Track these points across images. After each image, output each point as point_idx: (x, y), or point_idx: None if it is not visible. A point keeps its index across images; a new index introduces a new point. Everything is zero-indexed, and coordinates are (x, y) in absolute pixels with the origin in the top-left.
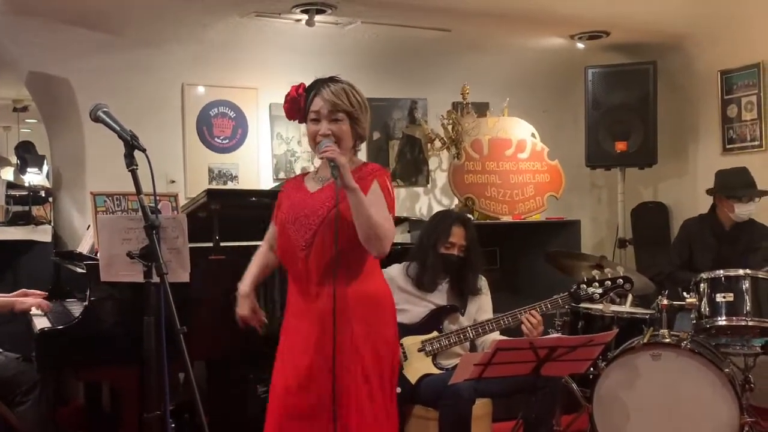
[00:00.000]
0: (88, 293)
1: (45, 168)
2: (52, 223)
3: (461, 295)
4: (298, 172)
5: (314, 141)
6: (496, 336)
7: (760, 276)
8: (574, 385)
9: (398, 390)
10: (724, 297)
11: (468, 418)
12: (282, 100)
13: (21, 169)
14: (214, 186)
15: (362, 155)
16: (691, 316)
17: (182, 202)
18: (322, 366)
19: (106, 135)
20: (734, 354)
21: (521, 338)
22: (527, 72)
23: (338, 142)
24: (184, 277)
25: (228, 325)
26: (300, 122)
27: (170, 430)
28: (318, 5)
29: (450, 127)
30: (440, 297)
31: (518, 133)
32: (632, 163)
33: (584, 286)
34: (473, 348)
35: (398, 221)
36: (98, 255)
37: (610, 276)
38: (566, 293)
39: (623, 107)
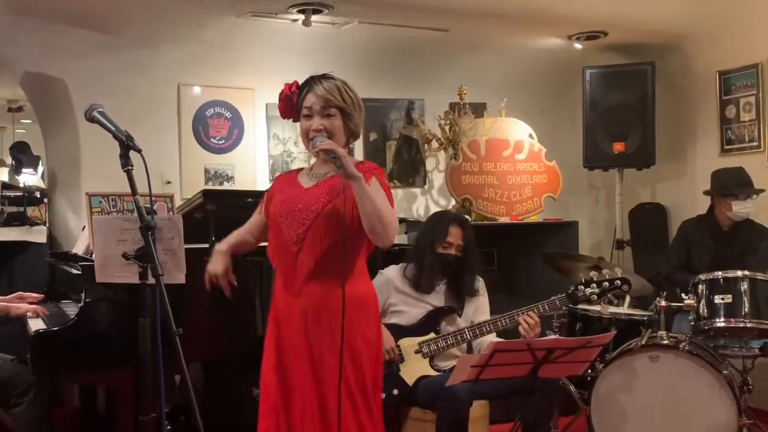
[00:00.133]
0: (83, 295)
1: (40, 168)
2: (47, 224)
3: (458, 296)
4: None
5: (307, 137)
6: (492, 338)
7: (759, 277)
8: (572, 387)
9: (395, 392)
10: (722, 298)
11: (465, 420)
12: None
13: (16, 170)
14: (210, 187)
15: (359, 155)
16: (690, 317)
17: (178, 202)
18: (306, 367)
19: (101, 135)
20: (733, 356)
21: (519, 340)
22: (525, 72)
23: (330, 137)
24: (180, 278)
25: (224, 326)
26: (294, 121)
27: None
28: (315, 5)
29: (447, 128)
30: (438, 298)
31: (516, 133)
32: (630, 163)
33: (582, 287)
34: (469, 350)
35: None
36: (93, 256)
37: (608, 277)
38: (564, 294)
39: (621, 108)
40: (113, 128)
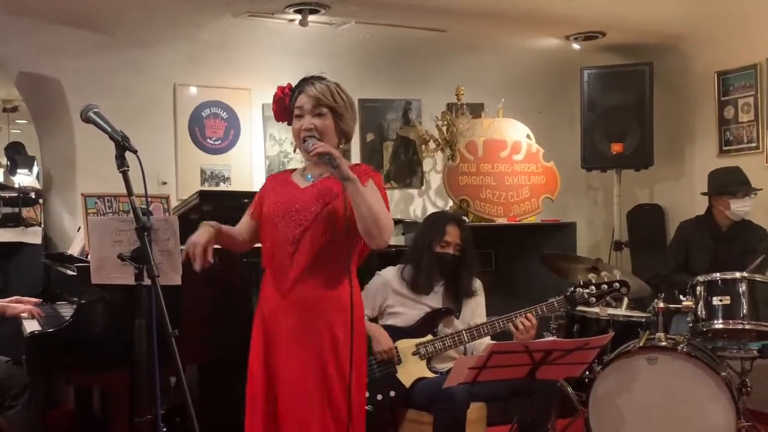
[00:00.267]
0: (78, 296)
1: (35, 169)
2: (42, 225)
3: (456, 297)
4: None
5: (299, 137)
6: (487, 341)
7: (757, 279)
8: (570, 389)
9: (392, 394)
10: (720, 300)
11: (462, 422)
12: None
13: (11, 171)
14: (206, 187)
15: (356, 156)
16: (688, 319)
17: (174, 203)
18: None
19: (97, 136)
20: (731, 357)
21: (516, 341)
22: (522, 73)
23: (321, 137)
24: (176, 279)
25: (220, 328)
26: (289, 124)
27: None
28: (311, 5)
29: (444, 129)
30: (435, 300)
31: (513, 134)
32: (628, 164)
33: (580, 289)
34: (464, 352)
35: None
36: (89, 257)
37: (606, 279)
38: (562, 296)
39: (619, 108)
40: (109, 129)
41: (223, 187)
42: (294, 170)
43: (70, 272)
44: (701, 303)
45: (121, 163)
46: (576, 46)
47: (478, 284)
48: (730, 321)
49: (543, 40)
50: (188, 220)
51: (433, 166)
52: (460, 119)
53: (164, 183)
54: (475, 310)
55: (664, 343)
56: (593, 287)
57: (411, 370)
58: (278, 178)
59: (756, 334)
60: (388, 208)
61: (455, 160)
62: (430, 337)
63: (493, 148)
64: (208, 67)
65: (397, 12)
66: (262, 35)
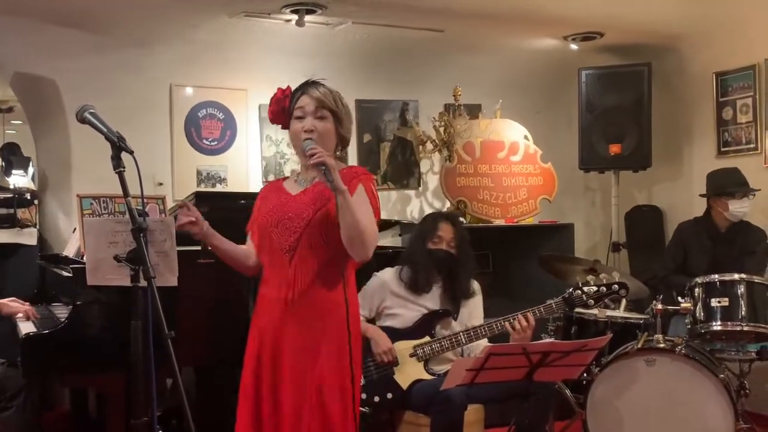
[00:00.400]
0: (74, 297)
1: (30, 170)
2: (37, 226)
3: (454, 299)
4: (287, 174)
5: (298, 138)
6: (485, 343)
7: (756, 281)
8: (568, 391)
9: (389, 396)
10: (719, 302)
11: (460, 424)
12: None
13: (6, 171)
14: (202, 188)
15: (352, 157)
16: (686, 320)
17: (170, 204)
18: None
19: (92, 136)
20: (729, 359)
21: (514, 343)
22: (520, 73)
23: (321, 140)
24: (172, 281)
25: (217, 329)
26: (284, 127)
27: None
28: (308, 5)
29: (442, 129)
30: (433, 301)
31: (511, 135)
32: (626, 165)
33: (578, 291)
34: (462, 354)
35: (389, 225)
36: (84, 258)
37: (605, 281)
38: (560, 298)
39: (617, 109)
40: (105, 129)
41: (219, 188)
42: (286, 178)
43: (65, 273)
44: (699, 305)
45: (117, 164)
46: (574, 46)
47: (476, 286)
48: (729, 323)
49: (540, 40)
50: None
51: (431, 167)
52: (457, 120)
53: (160, 184)
54: (473, 311)
55: (662, 345)
56: (591, 289)
57: (408, 372)
58: (271, 186)
59: (754, 336)
60: (378, 214)
61: (452, 161)
62: (427, 338)
63: (490, 149)
64: (204, 67)
65: (394, 12)
66: (259, 35)
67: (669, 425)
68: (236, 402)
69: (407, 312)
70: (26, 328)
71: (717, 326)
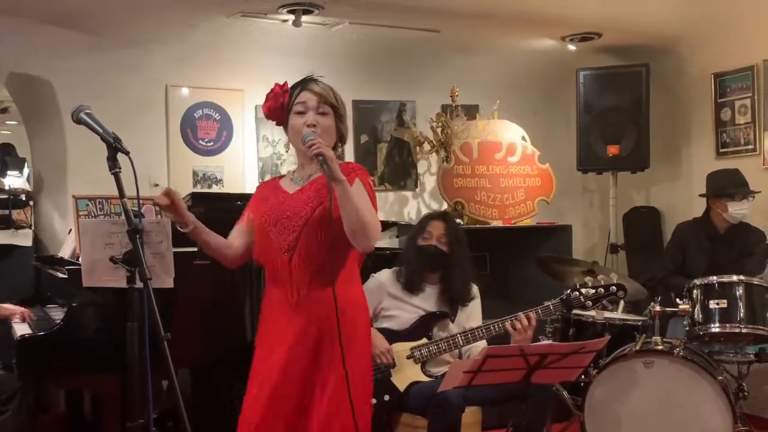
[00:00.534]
0: (69, 299)
1: (26, 171)
2: (32, 227)
3: (451, 300)
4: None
5: (298, 133)
6: (482, 345)
7: (755, 282)
8: (565, 393)
9: (386, 398)
10: (717, 303)
11: (457, 427)
12: None
13: (1, 172)
14: (198, 189)
15: (349, 158)
16: (684, 322)
17: None
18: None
19: (88, 137)
20: (728, 361)
21: (511, 345)
22: (518, 74)
23: (323, 135)
24: (168, 282)
25: (213, 331)
26: (278, 124)
27: None
28: (305, 5)
29: (439, 130)
30: (429, 302)
31: (508, 136)
32: (624, 167)
33: (576, 293)
34: (460, 356)
35: (387, 226)
36: (80, 260)
37: (603, 283)
38: (558, 300)
39: (615, 110)
40: (100, 130)
41: (215, 188)
42: (282, 176)
43: (60, 275)
44: (698, 306)
45: (113, 165)
46: (572, 47)
47: (475, 290)
48: (727, 325)
49: (538, 41)
50: None
51: (428, 168)
52: (454, 121)
53: (156, 185)
54: (471, 314)
55: (660, 347)
56: (589, 290)
57: (405, 374)
58: (267, 185)
59: (753, 338)
60: (376, 208)
61: (450, 162)
62: (424, 340)
63: (488, 150)
64: (200, 67)
65: (391, 13)
66: (255, 36)
67: (667, 427)
68: (232, 403)
69: (404, 314)
70: (21, 329)
71: (715, 328)
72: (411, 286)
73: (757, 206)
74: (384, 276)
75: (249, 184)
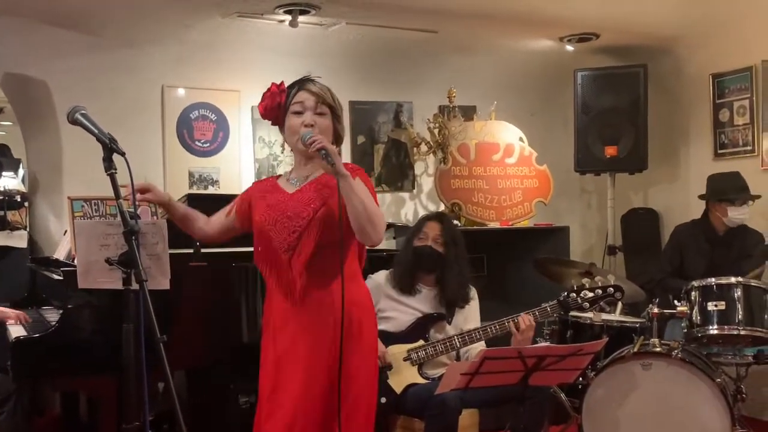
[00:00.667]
0: (65, 300)
1: (21, 172)
2: (27, 229)
3: (447, 302)
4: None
5: (296, 134)
6: (481, 346)
7: (753, 284)
8: (563, 396)
9: (383, 400)
10: (715, 305)
11: (454, 429)
12: None
13: None
14: (194, 190)
15: (346, 159)
16: (683, 324)
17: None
18: (321, 373)
19: (83, 138)
20: (726, 363)
21: (509, 347)
22: (515, 75)
23: (321, 135)
24: (164, 284)
25: (209, 333)
26: (273, 124)
27: None
28: (301, 6)
29: (436, 131)
30: (426, 304)
31: (506, 137)
32: (622, 168)
33: (573, 294)
34: (458, 358)
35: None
36: (75, 261)
37: (600, 284)
38: (555, 301)
39: (613, 111)
40: (96, 131)
41: (211, 190)
42: (279, 176)
43: (56, 276)
44: (696, 308)
45: (109, 166)
46: (569, 47)
47: (473, 292)
48: (725, 326)
49: (536, 41)
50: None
51: (425, 169)
52: (452, 122)
53: None
54: (469, 316)
55: (658, 349)
56: (587, 292)
57: (402, 376)
58: (265, 184)
59: (751, 340)
60: (377, 204)
61: (447, 163)
62: (421, 342)
63: (485, 151)
64: (196, 68)
65: (387, 13)
66: (252, 36)
67: (665, 430)
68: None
69: (401, 315)
70: (16, 331)
71: (714, 330)
72: (406, 287)
73: (755, 208)
74: (380, 277)
75: (245, 186)
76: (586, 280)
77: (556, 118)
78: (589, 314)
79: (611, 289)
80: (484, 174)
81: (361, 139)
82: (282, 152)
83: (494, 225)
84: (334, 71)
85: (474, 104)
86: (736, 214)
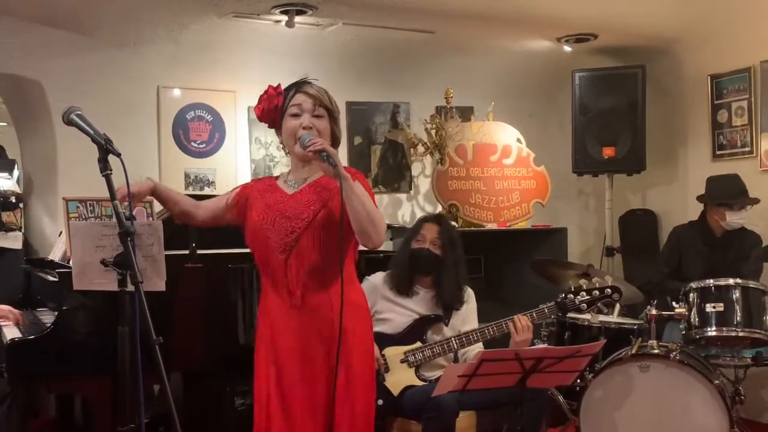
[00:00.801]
0: (60, 302)
1: (15, 173)
2: (22, 230)
3: (444, 304)
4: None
5: (294, 136)
6: (479, 348)
7: (751, 285)
8: (561, 398)
9: (380, 402)
10: (714, 307)
11: (452, 431)
12: None
13: None
14: (190, 192)
15: (343, 160)
16: (681, 326)
17: (158, 208)
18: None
19: (79, 139)
20: (724, 365)
21: (506, 349)
22: (513, 75)
23: (319, 137)
24: (160, 285)
25: (205, 334)
26: (270, 126)
27: None
28: (298, 6)
29: (433, 132)
30: (423, 305)
31: (503, 138)
32: (620, 169)
33: (571, 295)
34: (455, 359)
35: None
36: (71, 262)
37: (598, 286)
38: (553, 303)
39: (611, 112)
40: (91, 131)
41: (207, 191)
42: (277, 177)
43: (51, 278)
44: (694, 310)
45: (104, 167)
46: (567, 48)
47: (469, 292)
48: (724, 328)
49: (533, 42)
50: (172, 224)
51: (422, 170)
52: (449, 122)
53: None
54: (466, 317)
55: (656, 351)
56: (584, 293)
57: (399, 378)
58: (264, 183)
59: (750, 342)
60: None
61: (444, 164)
62: (418, 344)
63: (482, 152)
64: (192, 68)
65: (385, 13)
66: (248, 36)
67: None
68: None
69: (398, 317)
70: (11, 333)
71: (712, 332)
72: (403, 288)
73: (754, 209)
74: (377, 278)
75: None
76: (583, 282)
77: (553, 119)
78: (587, 316)
79: (609, 290)
80: (481, 175)
81: (357, 140)
82: (284, 154)
83: (492, 226)
84: (331, 72)
85: (471, 105)
86: (734, 219)
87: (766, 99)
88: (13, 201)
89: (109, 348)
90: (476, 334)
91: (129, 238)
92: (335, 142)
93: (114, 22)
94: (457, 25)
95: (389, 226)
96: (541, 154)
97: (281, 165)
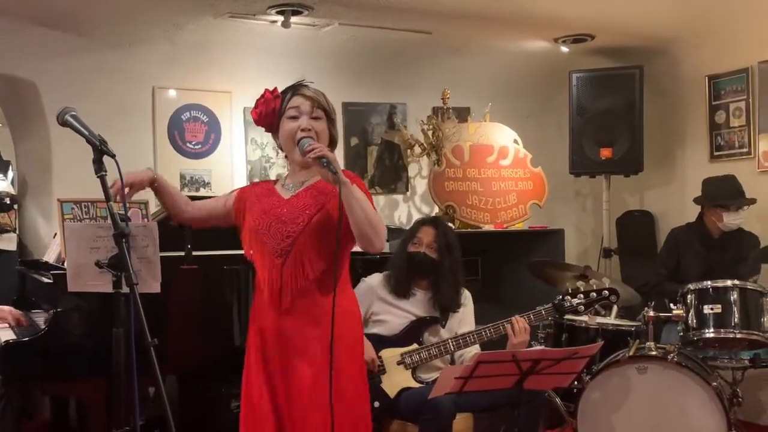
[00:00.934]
0: (54, 304)
1: (10, 174)
2: (17, 231)
3: (441, 307)
4: (272, 178)
5: (292, 139)
6: (475, 350)
7: (749, 287)
8: (558, 400)
9: (376, 404)
10: (711, 308)
11: None
12: None
13: None
14: (186, 193)
15: (339, 161)
16: (678, 328)
17: (153, 209)
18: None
19: (73, 140)
20: (722, 367)
21: (503, 351)
22: (510, 76)
23: (317, 139)
24: (155, 287)
25: (200, 336)
26: (267, 130)
27: None
28: (294, 6)
29: (430, 133)
30: (420, 307)
31: (500, 139)
32: (618, 170)
33: (568, 297)
34: (452, 361)
35: None
36: (65, 264)
37: (595, 287)
38: (550, 305)
39: (608, 113)
40: (86, 132)
41: (203, 192)
42: (275, 180)
43: (45, 279)
44: (692, 312)
45: (99, 168)
46: (564, 49)
47: (466, 294)
48: (722, 330)
49: (531, 42)
50: (167, 226)
51: (419, 171)
52: (446, 123)
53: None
54: (463, 319)
55: (654, 353)
56: (582, 295)
57: (396, 380)
58: (261, 187)
59: (747, 344)
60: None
61: (441, 165)
62: (415, 346)
63: (479, 153)
64: (187, 69)
65: (381, 14)
66: (244, 37)
67: None
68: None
69: (394, 318)
70: (5, 335)
71: (710, 333)
72: (401, 291)
73: (751, 211)
74: (374, 280)
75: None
76: (581, 283)
77: (550, 120)
78: (585, 317)
79: (606, 292)
80: (478, 176)
81: (354, 141)
82: (277, 155)
83: (488, 227)
84: (327, 72)
85: (468, 106)
86: (731, 220)
87: (764, 100)
88: (8, 202)
89: (104, 350)
90: (473, 336)
91: (124, 240)
92: (333, 144)
93: (109, 22)
94: (454, 25)
95: (386, 228)
96: (539, 155)
97: (277, 166)
